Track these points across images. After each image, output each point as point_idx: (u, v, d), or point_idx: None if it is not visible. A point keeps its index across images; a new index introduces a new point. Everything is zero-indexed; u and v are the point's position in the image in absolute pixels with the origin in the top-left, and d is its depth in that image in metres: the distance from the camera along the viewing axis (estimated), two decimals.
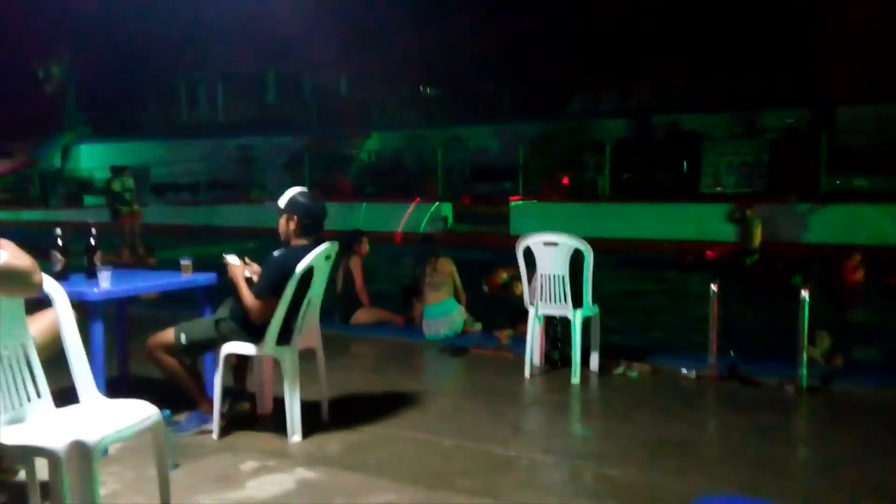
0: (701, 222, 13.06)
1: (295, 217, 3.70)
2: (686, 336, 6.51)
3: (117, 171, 14.22)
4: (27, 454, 2.50)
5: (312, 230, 3.73)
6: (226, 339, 3.66)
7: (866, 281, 9.35)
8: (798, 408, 4.35)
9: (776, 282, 9.67)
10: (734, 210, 10.96)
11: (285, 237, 3.76)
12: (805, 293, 4.48)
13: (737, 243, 10.92)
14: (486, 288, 6.51)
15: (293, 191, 3.76)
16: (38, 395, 2.50)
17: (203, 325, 3.75)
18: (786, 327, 4.82)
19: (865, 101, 15.87)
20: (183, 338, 3.63)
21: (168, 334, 3.66)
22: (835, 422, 4.12)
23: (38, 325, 2.69)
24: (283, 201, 3.72)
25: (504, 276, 6.47)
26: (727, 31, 19.69)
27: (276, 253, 3.68)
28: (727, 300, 5.02)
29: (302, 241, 3.71)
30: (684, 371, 4.82)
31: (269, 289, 3.57)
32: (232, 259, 3.70)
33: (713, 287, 4.97)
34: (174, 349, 3.65)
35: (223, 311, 3.75)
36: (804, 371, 4.45)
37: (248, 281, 3.69)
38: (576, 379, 4.72)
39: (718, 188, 14.47)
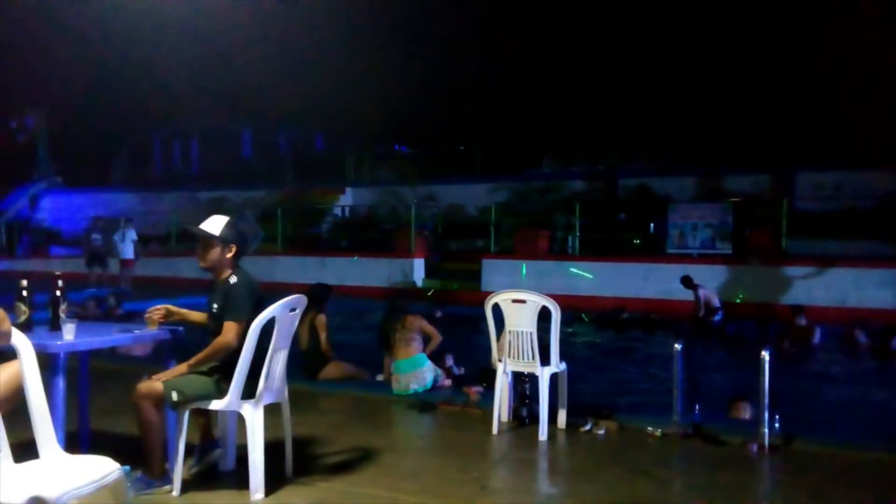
0: (667, 282, 13.32)
1: (234, 246, 3.72)
2: (652, 394, 6.57)
3: (95, 221, 14.28)
4: None
5: (243, 255, 3.75)
6: (225, 393, 3.55)
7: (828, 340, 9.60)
8: (760, 466, 4.40)
9: (741, 340, 9.93)
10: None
11: (216, 265, 3.70)
12: (765, 354, 4.59)
13: (694, 303, 11.36)
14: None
15: (223, 219, 3.74)
16: None
17: (197, 382, 3.58)
18: (750, 386, 4.91)
19: (824, 167, 16.54)
20: (174, 395, 3.49)
21: (158, 387, 3.49)
22: (796, 481, 4.17)
23: None
24: (215, 228, 3.68)
25: None
26: (693, 98, 20.57)
27: (234, 280, 3.66)
28: (691, 359, 5.11)
29: (231, 271, 3.71)
30: (650, 429, 4.87)
31: (247, 312, 3.54)
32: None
33: (676, 346, 5.07)
34: (162, 403, 3.52)
35: (214, 368, 3.61)
36: (766, 430, 4.52)
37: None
38: (543, 436, 4.74)
39: (684, 250, 14.79)
